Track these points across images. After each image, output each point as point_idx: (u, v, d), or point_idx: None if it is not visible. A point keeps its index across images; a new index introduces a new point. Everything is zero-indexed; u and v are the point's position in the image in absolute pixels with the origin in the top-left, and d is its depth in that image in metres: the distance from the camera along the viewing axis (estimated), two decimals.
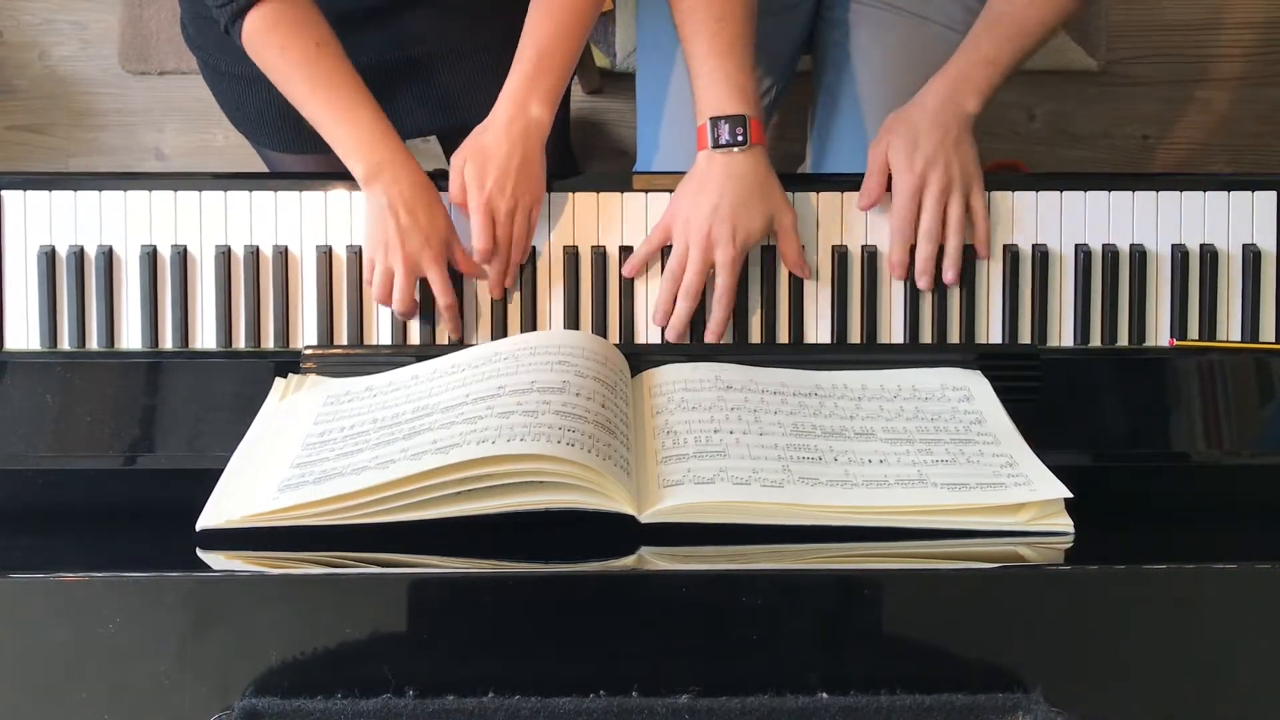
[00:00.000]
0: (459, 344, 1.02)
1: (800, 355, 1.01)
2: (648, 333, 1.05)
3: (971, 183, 1.03)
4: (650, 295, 1.05)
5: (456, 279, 1.04)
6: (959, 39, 1.24)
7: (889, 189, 1.04)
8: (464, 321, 1.05)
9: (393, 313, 1.03)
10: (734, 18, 1.05)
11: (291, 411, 0.91)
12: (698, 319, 1.03)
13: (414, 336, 1.05)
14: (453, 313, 1.02)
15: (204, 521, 0.77)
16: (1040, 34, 1.06)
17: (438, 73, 1.19)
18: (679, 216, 1.03)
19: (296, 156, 1.25)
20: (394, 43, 1.17)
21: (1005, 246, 1.05)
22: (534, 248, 1.05)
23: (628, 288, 1.05)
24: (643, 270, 1.04)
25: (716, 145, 1.02)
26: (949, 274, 1.03)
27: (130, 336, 1.04)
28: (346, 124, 1.01)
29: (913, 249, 1.04)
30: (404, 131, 1.24)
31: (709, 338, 1.03)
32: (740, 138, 1.02)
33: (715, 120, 1.03)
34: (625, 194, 1.06)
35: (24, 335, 1.04)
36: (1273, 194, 1.06)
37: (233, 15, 1.02)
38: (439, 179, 1.04)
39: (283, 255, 1.04)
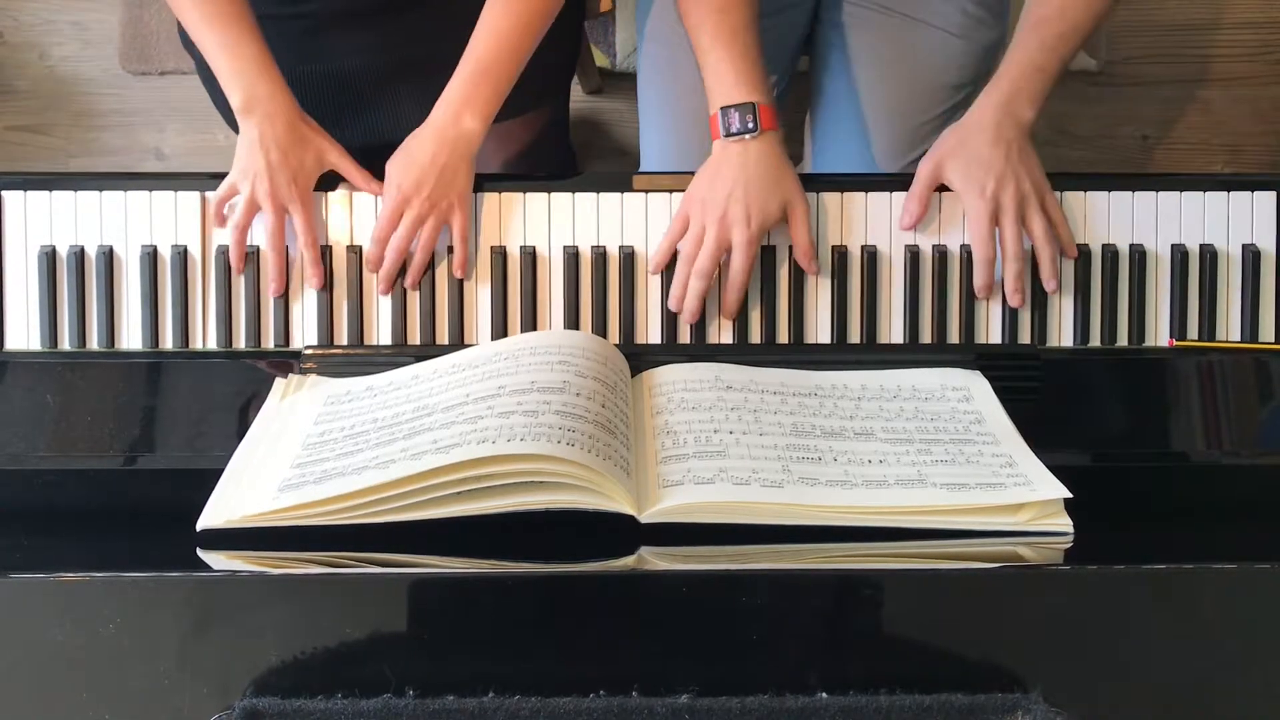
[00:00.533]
0: (459, 344, 1.02)
1: (800, 355, 1.01)
2: (648, 333, 1.05)
3: (1044, 192, 1.03)
4: (650, 296, 1.05)
5: (456, 284, 1.04)
6: (956, 42, 1.24)
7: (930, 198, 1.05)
8: (463, 323, 1.05)
9: (237, 256, 1.03)
10: (735, 7, 1.06)
11: (292, 411, 0.91)
12: (711, 312, 1.03)
13: (414, 337, 1.05)
14: (314, 255, 1.03)
15: (204, 521, 0.77)
16: (1083, 34, 1.06)
17: (436, 74, 1.19)
18: (695, 201, 1.03)
19: None
20: (393, 44, 1.17)
21: (994, 238, 1.05)
22: (533, 247, 1.05)
23: (628, 288, 1.05)
24: (667, 263, 1.04)
25: (729, 134, 1.03)
26: (1050, 285, 1.04)
27: (130, 336, 1.04)
28: (228, 54, 1.03)
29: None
30: (401, 132, 1.24)
31: (724, 316, 1.03)
32: (751, 125, 1.03)
33: (725, 110, 1.04)
34: (625, 194, 1.06)
35: (24, 335, 1.04)
36: (1272, 194, 1.06)
37: None
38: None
39: (283, 255, 1.04)
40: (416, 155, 1.03)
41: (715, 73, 1.05)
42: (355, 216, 1.05)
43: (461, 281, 1.05)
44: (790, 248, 1.05)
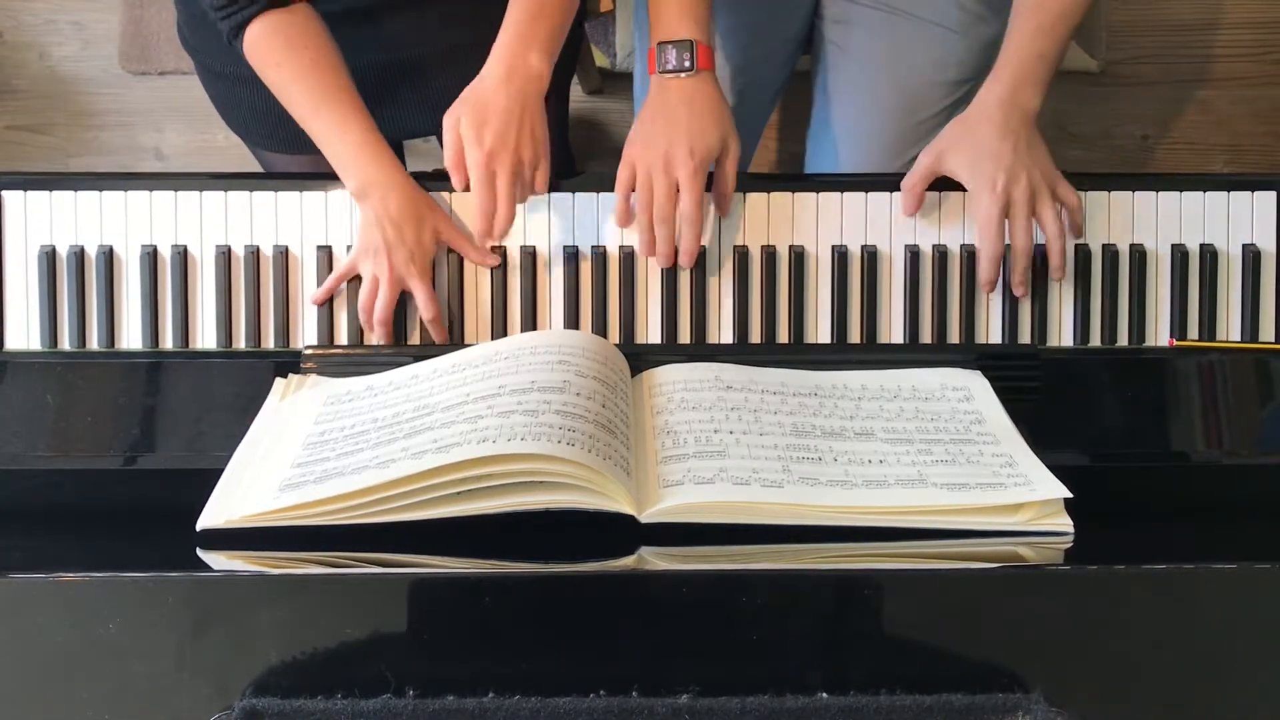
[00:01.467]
0: (459, 344, 1.02)
1: (800, 355, 1.01)
2: (648, 333, 1.05)
3: (1054, 180, 1.02)
4: (650, 296, 1.05)
5: (456, 285, 1.04)
6: (955, 38, 1.24)
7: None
8: (464, 323, 1.05)
9: (366, 323, 1.03)
10: None
11: (292, 411, 0.91)
12: (711, 312, 1.04)
13: (414, 336, 1.05)
14: (438, 325, 1.03)
15: (204, 521, 0.77)
16: (1080, 13, 1.05)
17: (437, 73, 1.19)
18: (636, 145, 1.03)
19: (292, 156, 1.25)
20: (393, 43, 1.17)
21: (1007, 246, 1.05)
22: (533, 247, 1.05)
23: (628, 288, 1.05)
24: (627, 210, 1.03)
25: (664, 70, 1.03)
26: (1058, 274, 1.03)
27: (130, 336, 1.04)
28: (338, 140, 1.02)
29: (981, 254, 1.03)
30: (403, 132, 1.24)
31: (683, 261, 1.03)
32: (688, 63, 1.02)
33: (663, 45, 1.03)
34: None
35: (24, 335, 1.04)
36: (1273, 194, 1.06)
37: (234, 28, 1.03)
38: (446, 179, 1.04)
39: (283, 255, 1.04)
40: (490, 104, 0.98)
41: (657, 6, 1.05)
42: (354, 214, 1.05)
43: (462, 282, 1.04)
44: (790, 247, 1.05)
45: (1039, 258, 1.03)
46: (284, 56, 1.02)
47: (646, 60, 1.05)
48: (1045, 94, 1.04)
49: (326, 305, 1.04)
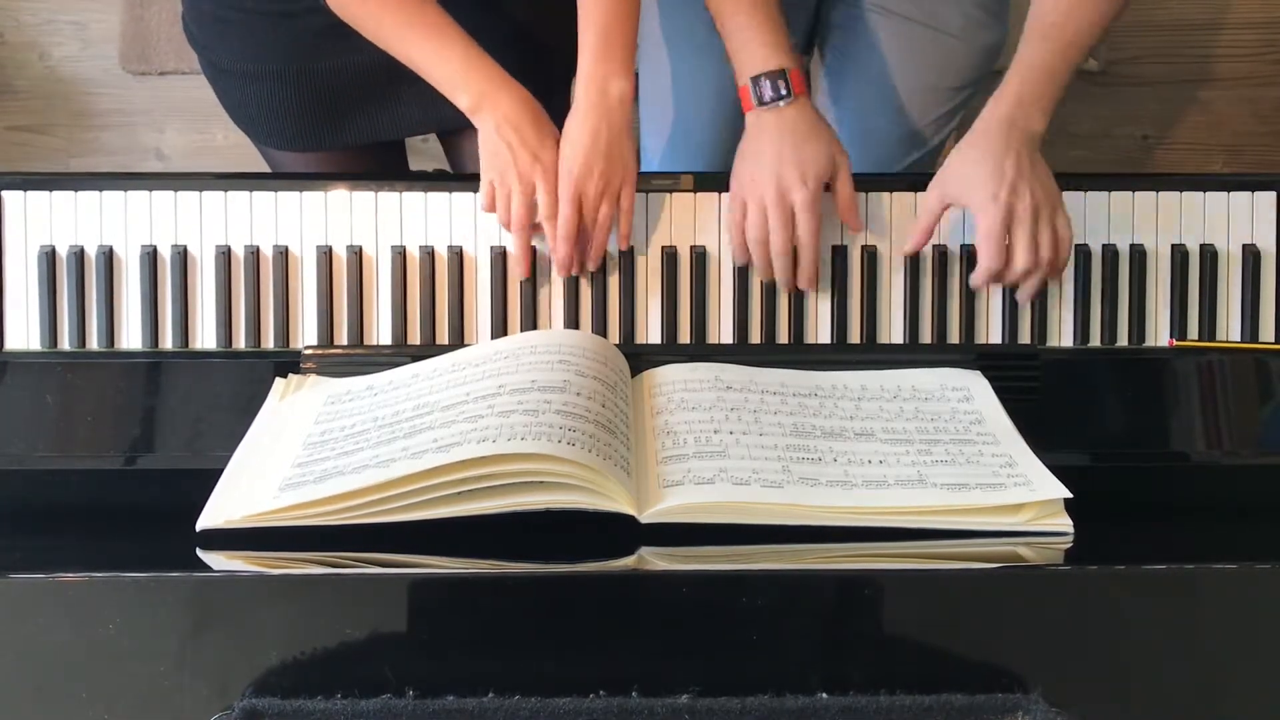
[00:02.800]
0: (459, 344, 1.02)
1: (800, 355, 1.01)
2: (648, 333, 1.05)
3: (1056, 205, 1.00)
4: (650, 296, 1.05)
5: (456, 285, 1.04)
6: (956, 44, 1.24)
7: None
8: (463, 322, 1.05)
9: (520, 239, 1.03)
10: None
11: (292, 411, 0.91)
12: (711, 312, 1.04)
13: (414, 336, 1.05)
14: (551, 223, 1.01)
15: (204, 521, 0.77)
16: (1092, 38, 1.03)
17: None
18: (744, 182, 1.02)
19: (298, 154, 1.25)
20: None
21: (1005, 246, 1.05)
22: (533, 247, 1.05)
23: (628, 288, 1.05)
24: (746, 248, 1.03)
25: (761, 103, 1.02)
26: (1024, 300, 1.02)
27: (130, 336, 1.04)
28: (442, 58, 1.02)
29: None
30: (404, 131, 1.24)
31: (802, 284, 1.03)
32: (784, 91, 1.02)
33: (756, 79, 1.02)
34: None
35: (24, 335, 1.04)
36: (1273, 194, 1.06)
37: None
38: (447, 179, 1.04)
39: (283, 255, 1.04)
40: (578, 138, 1.01)
41: (741, 42, 1.04)
42: (355, 216, 1.05)
43: (462, 282, 1.04)
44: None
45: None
46: None
47: (740, 99, 1.04)
48: (1052, 115, 1.02)
49: (327, 305, 1.04)
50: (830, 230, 1.06)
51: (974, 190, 0.99)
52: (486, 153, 1.02)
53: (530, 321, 1.05)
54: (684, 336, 1.05)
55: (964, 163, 1.01)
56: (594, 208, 1.01)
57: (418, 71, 1.04)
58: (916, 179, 1.07)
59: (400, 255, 1.04)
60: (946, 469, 0.81)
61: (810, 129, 1.02)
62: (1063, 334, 1.05)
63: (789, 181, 1.00)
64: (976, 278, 1.01)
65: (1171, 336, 1.05)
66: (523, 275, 1.04)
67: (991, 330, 1.05)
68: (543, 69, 1.15)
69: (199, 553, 0.76)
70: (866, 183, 1.07)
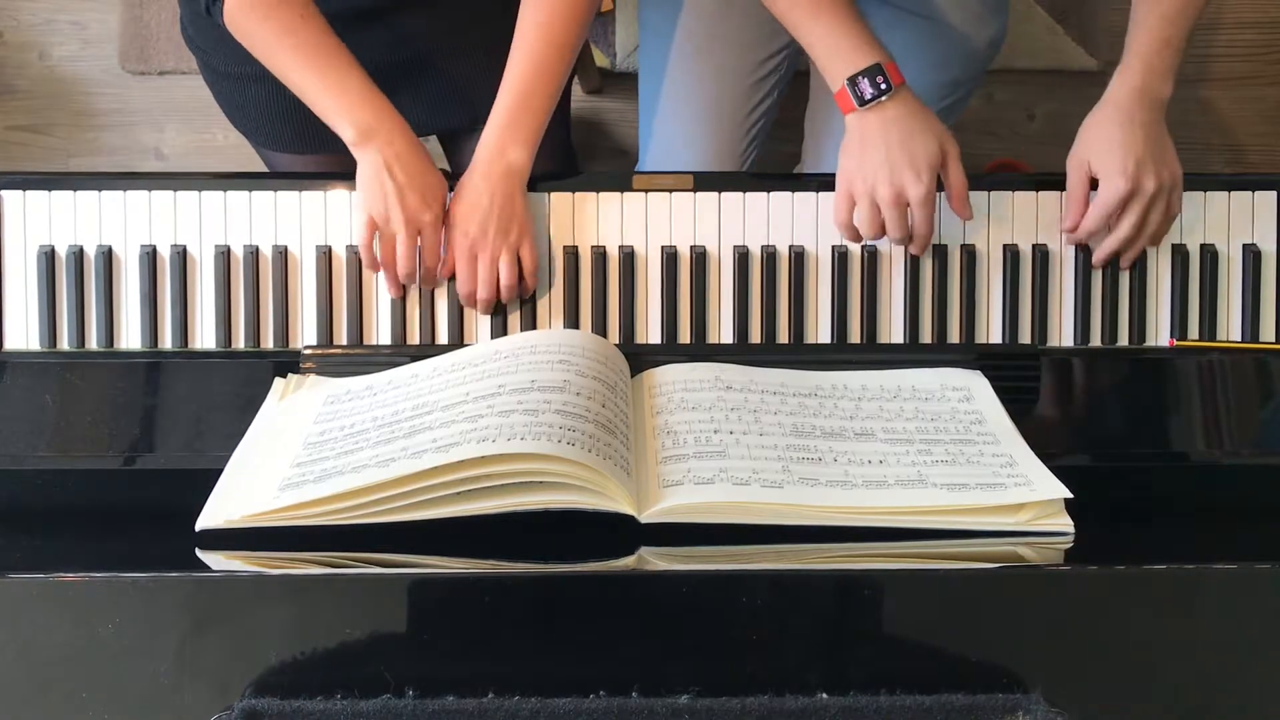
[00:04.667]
0: (458, 344, 1.02)
1: (800, 355, 1.01)
2: (648, 333, 1.05)
3: (1177, 185, 1.02)
4: (650, 296, 1.05)
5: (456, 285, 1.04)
6: (956, 37, 1.24)
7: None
8: (463, 322, 1.05)
9: (392, 281, 1.03)
10: None
11: (291, 411, 0.91)
12: (711, 311, 1.04)
13: (414, 336, 1.05)
14: (432, 278, 1.04)
15: (204, 521, 0.77)
16: (1201, 2, 1.04)
17: (436, 72, 1.19)
18: (854, 179, 1.02)
19: (296, 156, 1.25)
20: (392, 43, 1.17)
21: (1005, 246, 1.05)
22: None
23: (628, 288, 1.05)
24: (855, 231, 1.03)
25: (863, 103, 1.01)
26: (1127, 265, 1.04)
27: (130, 336, 1.04)
28: (335, 90, 1.01)
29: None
30: None
31: (915, 249, 1.04)
32: (884, 86, 1.00)
33: (853, 79, 1.01)
34: (625, 194, 1.06)
35: (24, 335, 1.04)
36: (1273, 194, 1.06)
37: None
38: (449, 178, 1.04)
39: (283, 255, 1.04)
40: (471, 198, 1.02)
41: (827, 45, 1.02)
42: (354, 214, 1.05)
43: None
44: (790, 247, 1.05)
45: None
46: (270, 11, 1.02)
47: (838, 102, 1.03)
48: (1175, 79, 1.03)
49: (326, 305, 1.04)
50: (830, 230, 1.05)
51: (1104, 159, 1.01)
52: (370, 190, 1.01)
53: (530, 321, 1.05)
54: (684, 336, 1.05)
55: (1094, 135, 1.02)
56: (491, 266, 1.02)
57: (307, 101, 1.03)
58: None
59: None
60: (947, 469, 0.81)
61: (916, 120, 1.01)
62: (1063, 334, 1.05)
63: (904, 178, 1.00)
64: (1072, 232, 1.03)
65: (1172, 336, 1.05)
66: (395, 295, 1.05)
67: (991, 330, 1.05)
68: (465, 103, 1.15)
69: (199, 553, 0.76)
70: None
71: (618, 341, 1.04)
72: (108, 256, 1.04)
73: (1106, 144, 1.01)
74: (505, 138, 1.03)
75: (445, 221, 1.03)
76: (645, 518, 0.76)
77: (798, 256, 1.05)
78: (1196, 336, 1.05)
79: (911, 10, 1.24)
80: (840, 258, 1.05)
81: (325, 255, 1.05)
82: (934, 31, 1.24)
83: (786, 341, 1.05)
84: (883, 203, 1.00)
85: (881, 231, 1.02)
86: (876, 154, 1.00)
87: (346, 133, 1.01)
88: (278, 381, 0.96)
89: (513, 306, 1.05)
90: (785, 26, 1.06)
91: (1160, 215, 1.02)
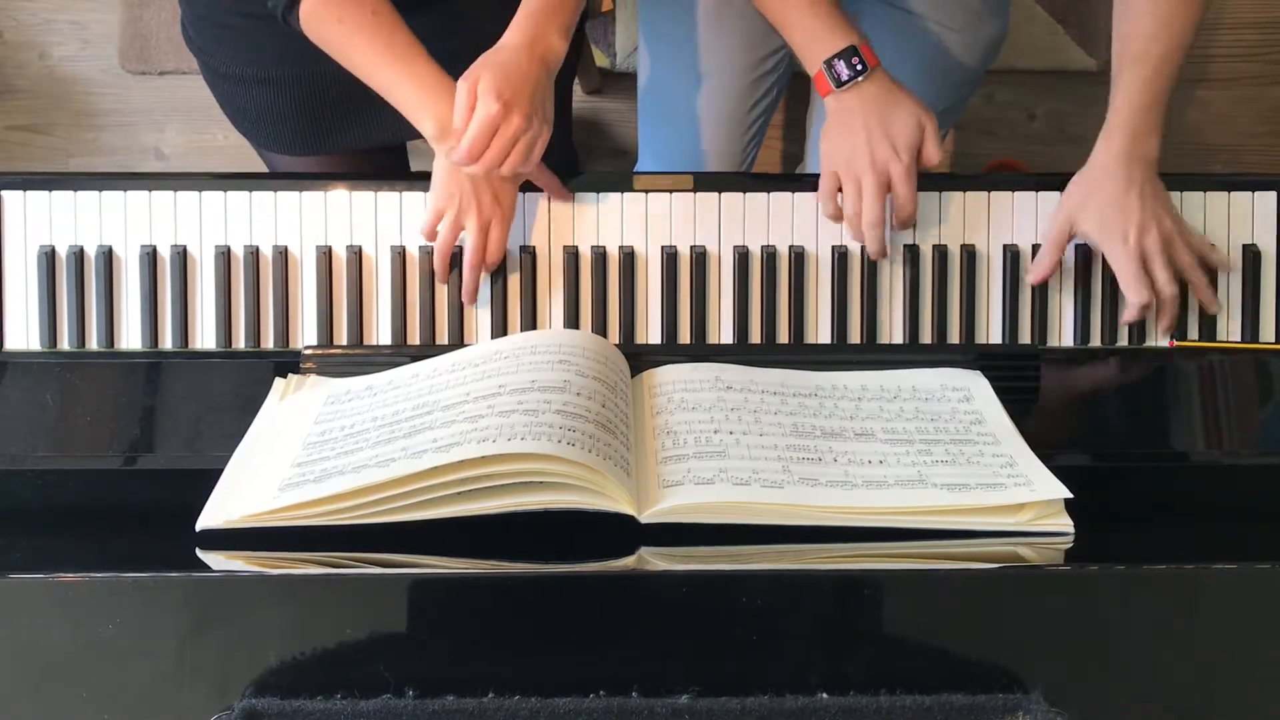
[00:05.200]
0: (459, 344, 1.02)
1: (800, 355, 1.01)
2: (648, 333, 1.05)
3: (1182, 227, 1.02)
4: (650, 296, 1.05)
5: (456, 285, 1.04)
6: (956, 37, 1.24)
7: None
8: (463, 322, 1.05)
9: (442, 273, 1.04)
10: None
11: (292, 411, 0.91)
12: (711, 311, 1.04)
13: (414, 336, 1.05)
14: (490, 269, 1.03)
15: (204, 521, 0.77)
16: (1184, 48, 1.03)
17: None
18: (837, 160, 1.03)
19: (297, 157, 1.25)
20: (444, 30, 1.16)
21: (1005, 246, 1.05)
22: (533, 247, 1.05)
23: (628, 288, 1.05)
24: (838, 208, 1.04)
25: (840, 84, 1.02)
26: (1212, 308, 1.05)
27: (130, 336, 1.04)
28: (412, 85, 1.01)
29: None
30: (405, 134, 1.24)
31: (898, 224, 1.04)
32: (860, 67, 1.02)
33: (829, 62, 1.02)
34: (625, 194, 1.06)
35: (24, 335, 1.04)
36: (1273, 194, 1.06)
37: (287, 2, 1.02)
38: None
39: (283, 255, 1.04)
40: (511, 66, 0.98)
41: (803, 29, 1.04)
42: (355, 216, 1.05)
43: (460, 282, 1.04)
44: (790, 247, 1.05)
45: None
46: (343, 12, 1.01)
47: (815, 84, 1.04)
48: (1162, 134, 1.03)
49: (326, 305, 1.04)
50: (830, 230, 1.06)
51: (1101, 232, 1.01)
52: (446, 183, 1.01)
53: (530, 322, 1.05)
54: (684, 336, 1.05)
55: (1087, 201, 1.02)
56: (506, 146, 0.97)
57: (384, 95, 1.03)
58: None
59: (400, 255, 1.04)
60: (947, 469, 0.81)
61: (892, 98, 1.02)
62: (1063, 334, 1.05)
63: (884, 155, 1.01)
64: (1129, 314, 1.03)
65: (1171, 337, 1.05)
66: (442, 280, 1.04)
67: (991, 330, 1.05)
68: None
69: (199, 553, 0.76)
70: None
71: (618, 341, 1.04)
72: (108, 256, 1.04)
73: (1100, 212, 1.01)
74: (546, 22, 1.01)
75: (475, 85, 0.98)
76: (645, 518, 0.76)
77: (798, 256, 1.05)
78: (1196, 337, 1.05)
79: (913, 10, 1.24)
80: (840, 258, 1.05)
81: (325, 255, 1.05)
82: (936, 32, 1.24)
83: (786, 341, 1.05)
84: (864, 180, 1.01)
85: (860, 215, 1.02)
86: (857, 134, 1.02)
87: (427, 127, 1.01)
88: (278, 381, 0.96)
89: (481, 304, 1.04)
90: (764, 14, 1.07)
91: (1188, 256, 1.02)
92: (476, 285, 1.04)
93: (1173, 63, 1.03)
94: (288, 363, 0.99)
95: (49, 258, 1.04)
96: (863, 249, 1.05)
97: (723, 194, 1.06)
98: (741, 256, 1.05)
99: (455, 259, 1.04)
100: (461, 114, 0.98)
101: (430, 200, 1.03)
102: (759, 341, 1.05)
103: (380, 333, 1.05)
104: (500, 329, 1.04)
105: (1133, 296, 1.01)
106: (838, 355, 1.01)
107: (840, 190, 1.03)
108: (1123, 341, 1.05)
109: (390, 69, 1.02)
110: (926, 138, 1.02)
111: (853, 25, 1.04)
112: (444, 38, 1.12)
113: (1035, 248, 1.05)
